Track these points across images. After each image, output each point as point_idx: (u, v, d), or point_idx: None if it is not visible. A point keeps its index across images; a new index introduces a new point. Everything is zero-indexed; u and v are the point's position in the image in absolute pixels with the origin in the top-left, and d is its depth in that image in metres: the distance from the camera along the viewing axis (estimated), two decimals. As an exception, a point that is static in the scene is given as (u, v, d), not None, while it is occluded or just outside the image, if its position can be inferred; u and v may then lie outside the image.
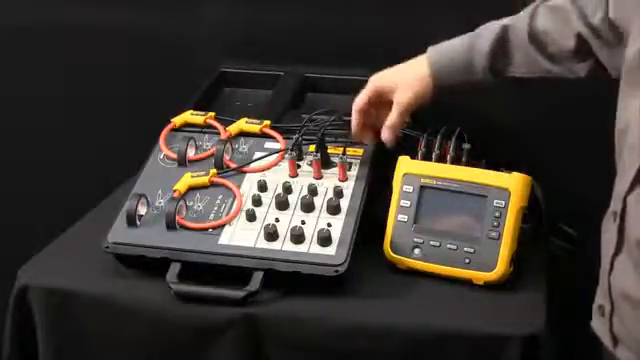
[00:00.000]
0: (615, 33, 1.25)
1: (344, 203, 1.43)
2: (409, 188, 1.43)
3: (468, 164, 1.47)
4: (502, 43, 1.38)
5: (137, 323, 1.37)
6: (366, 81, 1.47)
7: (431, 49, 1.43)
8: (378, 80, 1.45)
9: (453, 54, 1.41)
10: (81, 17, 1.88)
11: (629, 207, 1.14)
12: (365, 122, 1.47)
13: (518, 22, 1.38)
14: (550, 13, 1.36)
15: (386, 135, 1.44)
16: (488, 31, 1.39)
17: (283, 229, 1.39)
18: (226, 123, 1.58)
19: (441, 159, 1.47)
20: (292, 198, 1.44)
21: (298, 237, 1.37)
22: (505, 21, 1.39)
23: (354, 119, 1.46)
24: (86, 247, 1.46)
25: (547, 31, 1.35)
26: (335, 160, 1.48)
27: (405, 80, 1.43)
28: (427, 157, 1.48)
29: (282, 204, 1.43)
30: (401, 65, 1.45)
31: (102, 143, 1.94)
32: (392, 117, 1.43)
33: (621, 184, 1.15)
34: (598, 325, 1.22)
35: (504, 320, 1.31)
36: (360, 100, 1.45)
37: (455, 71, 1.40)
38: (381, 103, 1.45)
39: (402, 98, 1.42)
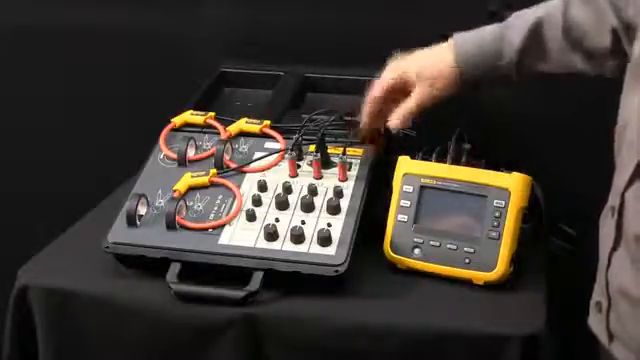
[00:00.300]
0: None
1: (344, 203, 1.43)
2: (409, 188, 1.43)
3: (468, 164, 1.47)
4: (535, 38, 1.32)
5: (137, 323, 1.37)
6: (366, 81, 1.47)
7: (457, 36, 1.37)
8: (399, 68, 1.40)
9: (482, 42, 1.35)
10: (81, 17, 1.88)
11: (627, 202, 1.14)
12: (376, 112, 1.43)
13: (552, 15, 1.32)
14: (584, 5, 1.31)
15: (396, 121, 1.39)
16: (520, 21, 1.33)
17: (283, 229, 1.39)
18: (226, 123, 1.58)
19: (441, 159, 1.47)
20: (292, 198, 1.44)
21: (298, 237, 1.37)
22: (539, 12, 1.33)
23: (368, 107, 1.42)
24: (86, 247, 1.46)
25: (582, 26, 1.30)
26: (335, 160, 1.48)
27: (428, 72, 1.37)
28: (427, 157, 1.48)
29: (282, 204, 1.43)
30: (424, 53, 1.39)
31: (102, 143, 1.94)
32: (409, 105, 1.38)
33: (619, 180, 1.15)
34: (595, 322, 1.22)
35: (504, 320, 1.31)
36: (379, 88, 1.40)
37: (482, 61, 1.34)
38: (398, 93, 1.41)
39: (423, 91, 1.37)
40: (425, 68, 1.38)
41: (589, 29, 1.31)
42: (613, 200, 1.17)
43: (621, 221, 1.15)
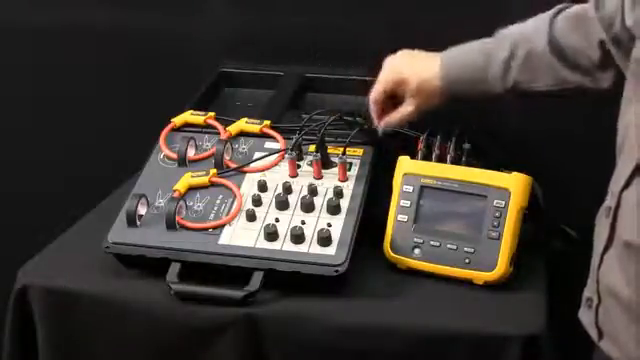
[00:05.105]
0: (631, 41, 1.23)
1: (344, 203, 1.43)
2: (409, 188, 1.43)
3: (468, 164, 1.47)
4: (522, 55, 1.34)
5: (137, 323, 1.37)
6: (366, 81, 1.47)
7: (445, 53, 1.41)
8: (396, 74, 1.43)
9: (467, 60, 1.38)
10: (81, 17, 1.88)
11: (623, 204, 1.14)
12: (383, 108, 1.46)
13: (538, 31, 1.34)
14: (569, 21, 1.33)
15: (390, 122, 1.45)
16: (506, 39, 1.36)
17: (283, 229, 1.39)
18: (226, 123, 1.58)
19: (441, 159, 1.47)
20: (292, 198, 1.44)
21: (298, 237, 1.37)
22: (524, 29, 1.35)
23: (373, 111, 1.46)
24: (86, 247, 1.46)
25: (568, 40, 1.32)
26: (335, 160, 1.48)
27: (419, 86, 1.41)
28: (427, 157, 1.48)
29: (282, 204, 1.43)
30: (417, 63, 1.43)
31: (102, 143, 1.94)
32: (407, 109, 1.43)
33: (617, 180, 1.16)
34: (585, 317, 1.23)
35: (504, 320, 1.31)
36: (377, 93, 1.44)
37: (468, 80, 1.39)
38: (396, 91, 1.45)
39: (414, 101, 1.42)
40: (418, 81, 1.41)
41: (576, 44, 1.32)
42: (610, 200, 1.17)
43: (615, 223, 1.15)
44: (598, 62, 1.31)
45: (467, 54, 1.39)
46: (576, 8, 1.34)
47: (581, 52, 1.31)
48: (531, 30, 1.35)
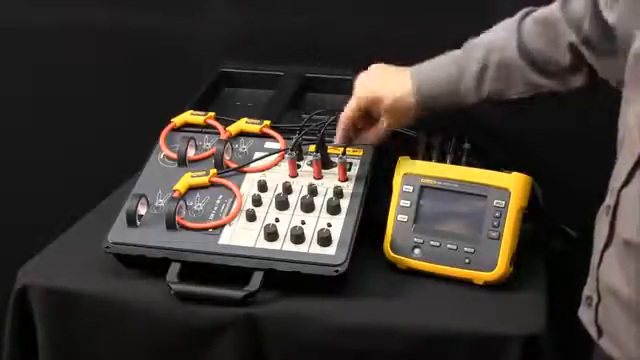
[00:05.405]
0: (611, 39, 1.22)
1: (344, 203, 1.43)
2: (409, 188, 1.43)
3: (468, 164, 1.47)
4: (493, 63, 1.34)
5: (137, 323, 1.37)
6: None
7: (415, 68, 1.40)
8: (370, 93, 1.42)
9: (440, 73, 1.38)
10: (81, 17, 1.88)
11: (622, 202, 1.14)
12: (355, 125, 1.46)
13: (507, 38, 1.34)
14: (537, 25, 1.33)
15: (366, 140, 1.47)
16: (476, 49, 1.36)
17: (283, 229, 1.39)
18: (226, 123, 1.58)
19: (441, 159, 1.47)
20: (292, 198, 1.44)
21: (298, 237, 1.37)
22: (494, 37, 1.36)
23: (341, 126, 1.45)
24: (86, 247, 1.46)
25: (539, 47, 1.32)
26: (335, 160, 1.48)
27: (394, 104, 1.40)
28: (427, 157, 1.48)
29: (282, 204, 1.43)
30: (391, 80, 1.42)
31: (102, 143, 1.94)
32: (383, 126, 1.43)
33: (617, 178, 1.16)
34: (585, 315, 1.23)
35: (504, 320, 1.32)
36: (352, 111, 1.43)
37: (446, 102, 1.38)
38: (369, 111, 1.44)
39: (389, 119, 1.42)
40: (389, 101, 1.40)
41: (545, 48, 1.32)
42: (609, 199, 1.17)
43: (614, 221, 1.15)
44: (568, 65, 1.32)
45: (439, 69, 1.39)
46: (543, 11, 1.34)
47: (550, 56, 1.32)
48: (501, 38, 1.35)
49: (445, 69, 1.38)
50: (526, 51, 1.33)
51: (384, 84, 1.42)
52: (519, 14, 1.36)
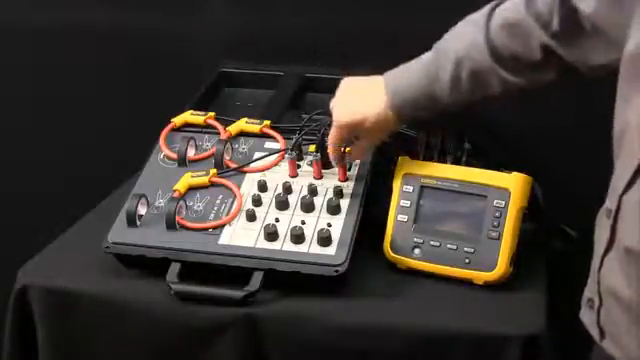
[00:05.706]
0: (581, 27, 1.23)
1: (344, 203, 1.43)
2: (409, 188, 1.43)
3: (468, 164, 1.47)
4: (464, 68, 1.33)
5: (137, 323, 1.37)
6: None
7: (387, 77, 1.39)
8: (350, 117, 1.40)
9: (412, 81, 1.37)
10: (81, 17, 1.88)
11: (623, 208, 1.14)
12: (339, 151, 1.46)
13: (476, 47, 1.33)
14: (503, 29, 1.31)
15: (352, 160, 1.48)
16: (446, 55, 1.34)
17: (283, 229, 1.39)
18: (226, 123, 1.58)
19: (441, 159, 1.47)
20: (292, 198, 1.44)
21: (298, 237, 1.37)
22: (462, 43, 1.34)
23: (332, 154, 1.45)
24: (86, 247, 1.46)
25: (510, 48, 1.31)
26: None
27: (376, 121, 1.39)
28: (427, 157, 1.48)
29: (282, 204, 1.43)
30: (366, 96, 1.40)
31: (102, 143, 1.94)
32: (364, 145, 1.45)
33: (618, 182, 1.15)
34: (586, 317, 1.23)
35: (504, 320, 1.31)
36: (336, 140, 1.43)
37: (420, 108, 1.37)
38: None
39: (372, 135, 1.42)
40: (366, 122, 1.39)
41: (516, 49, 1.31)
42: (610, 202, 1.17)
43: (615, 226, 1.15)
44: (540, 64, 1.31)
45: (410, 78, 1.37)
46: (508, 13, 1.32)
47: (521, 57, 1.31)
48: (469, 42, 1.34)
49: (417, 78, 1.37)
50: (496, 52, 1.32)
51: (362, 103, 1.40)
52: (486, 9, 1.34)
